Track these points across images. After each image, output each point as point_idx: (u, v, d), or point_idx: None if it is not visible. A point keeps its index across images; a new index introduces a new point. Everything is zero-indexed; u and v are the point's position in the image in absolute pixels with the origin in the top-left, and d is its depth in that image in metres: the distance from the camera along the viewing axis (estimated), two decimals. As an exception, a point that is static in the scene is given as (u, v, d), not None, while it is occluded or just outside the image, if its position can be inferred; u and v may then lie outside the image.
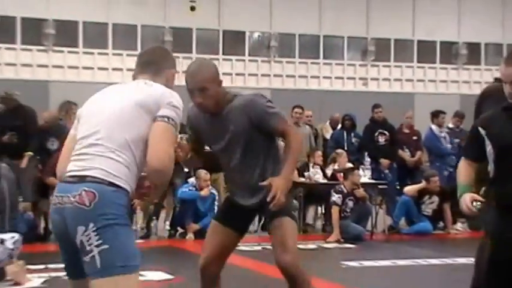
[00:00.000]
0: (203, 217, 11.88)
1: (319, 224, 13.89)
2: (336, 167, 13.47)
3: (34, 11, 22.33)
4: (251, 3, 24.29)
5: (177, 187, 12.11)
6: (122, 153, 3.68)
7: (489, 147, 4.32)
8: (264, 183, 4.63)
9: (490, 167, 4.38)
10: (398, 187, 14.36)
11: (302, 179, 13.20)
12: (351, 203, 12.23)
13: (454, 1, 26.43)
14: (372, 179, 13.70)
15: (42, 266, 8.99)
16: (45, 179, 11.70)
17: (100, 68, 23.02)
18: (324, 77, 25.45)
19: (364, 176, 13.33)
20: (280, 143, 4.99)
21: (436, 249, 11.20)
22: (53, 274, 8.57)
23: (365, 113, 15.10)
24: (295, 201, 12.77)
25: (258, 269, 9.07)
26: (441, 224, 13.38)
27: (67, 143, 3.94)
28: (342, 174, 12.95)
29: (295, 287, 4.91)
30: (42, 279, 8.40)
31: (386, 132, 14.56)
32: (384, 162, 14.43)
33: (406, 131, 14.88)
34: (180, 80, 4.45)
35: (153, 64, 4.12)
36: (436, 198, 13.12)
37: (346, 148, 14.24)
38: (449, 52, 26.64)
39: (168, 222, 12.53)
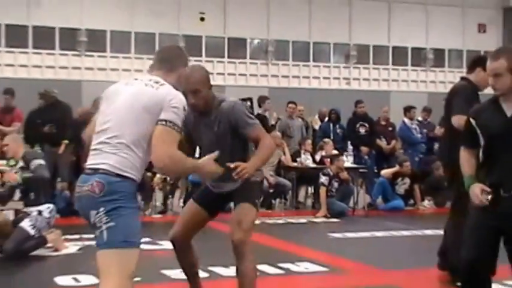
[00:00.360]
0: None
1: (309, 202, 13.89)
2: (323, 153, 13.46)
3: (70, 22, 22.29)
4: (252, 14, 24.22)
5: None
6: (128, 150, 3.74)
7: (480, 136, 4.27)
8: (232, 164, 4.59)
9: (480, 154, 4.34)
10: (376, 170, 14.35)
11: (295, 164, 13.21)
12: (336, 184, 12.24)
13: (423, 14, 26.36)
14: (354, 163, 13.66)
15: (77, 236, 8.98)
16: (82, 164, 11.72)
17: (124, 70, 22.94)
18: (314, 77, 25.39)
19: (347, 161, 13.31)
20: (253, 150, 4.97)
21: (407, 223, 11.18)
22: (87, 243, 8.58)
23: (348, 108, 15.09)
24: (288, 182, 12.87)
25: (258, 240, 9.04)
26: (412, 201, 13.38)
27: (95, 118, 4.03)
28: (328, 159, 12.94)
29: (242, 263, 4.83)
30: (78, 247, 8.45)
31: (366, 124, 14.55)
32: (364, 149, 14.43)
33: (383, 123, 14.89)
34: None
35: (168, 62, 4.10)
36: (407, 180, 13.13)
37: (332, 137, 14.22)
38: (418, 56, 26.58)
39: (181, 200, 12.53)
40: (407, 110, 15.05)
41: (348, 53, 25.80)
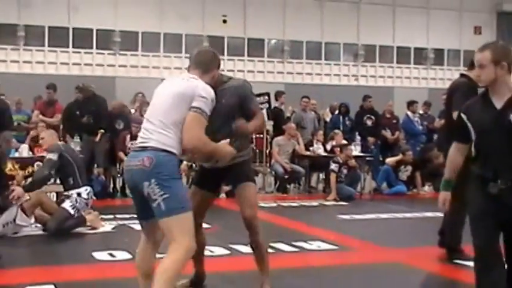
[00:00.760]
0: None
1: (320, 186, 13.85)
2: (333, 143, 13.42)
3: (105, 24, 22.31)
4: (269, 17, 24.14)
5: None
6: (170, 129, 4.03)
7: (472, 130, 4.07)
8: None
9: (472, 148, 4.14)
10: (381, 159, 14.30)
11: (308, 153, 13.19)
12: (345, 171, 12.21)
13: (424, 17, 26.19)
14: (361, 152, 13.63)
15: (111, 216, 9.06)
16: (116, 152, 11.82)
17: (154, 67, 23.00)
18: (325, 74, 25.31)
19: (355, 150, 13.26)
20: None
21: (409, 206, 11.16)
22: (120, 222, 8.66)
23: (356, 102, 15.01)
24: (301, 169, 12.87)
25: (274, 221, 9.09)
26: (413, 187, 13.33)
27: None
28: (338, 148, 12.91)
29: (253, 234, 4.94)
30: (112, 226, 8.50)
31: (372, 117, 14.49)
32: (371, 139, 14.37)
33: (388, 116, 14.81)
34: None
35: (204, 64, 4.41)
36: (409, 167, 13.08)
37: (341, 129, 14.16)
38: (420, 56, 26.43)
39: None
40: (411, 104, 15.00)
41: (356, 52, 25.70)
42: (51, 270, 6.16)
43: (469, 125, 4.08)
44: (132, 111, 13.08)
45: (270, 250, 5.52)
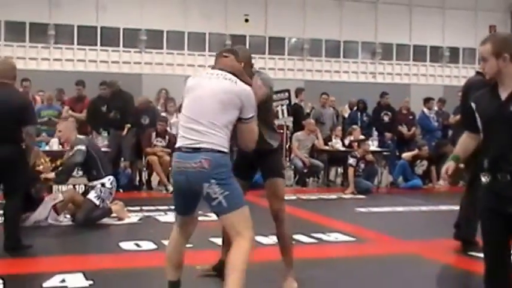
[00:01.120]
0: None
1: (338, 180, 13.84)
2: (351, 138, 13.39)
3: (131, 23, 22.42)
4: (290, 16, 24.12)
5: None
6: (221, 131, 4.05)
7: (479, 120, 3.97)
8: None
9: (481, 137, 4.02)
10: (397, 154, 14.24)
11: (326, 147, 13.19)
12: (362, 165, 12.18)
13: (440, 16, 26.05)
14: (378, 147, 13.60)
15: (137, 208, 9.10)
16: (143, 147, 11.84)
17: (178, 65, 23.07)
18: (344, 72, 25.26)
19: (373, 145, 13.23)
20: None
21: (424, 199, 11.11)
22: (146, 214, 8.70)
23: (374, 99, 14.99)
24: (320, 163, 12.85)
25: (294, 213, 9.07)
26: (428, 181, 13.26)
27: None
28: (356, 143, 12.90)
29: (280, 225, 5.03)
30: (138, 217, 8.52)
31: (389, 113, 14.46)
32: (387, 135, 14.34)
33: (404, 112, 14.73)
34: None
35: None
36: (425, 162, 13.02)
37: (359, 124, 14.13)
38: (436, 54, 26.29)
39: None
40: (427, 101, 14.89)
41: (374, 50, 25.60)
42: (79, 259, 6.21)
43: (477, 114, 3.99)
44: (158, 107, 13.12)
45: (290, 241, 5.50)
